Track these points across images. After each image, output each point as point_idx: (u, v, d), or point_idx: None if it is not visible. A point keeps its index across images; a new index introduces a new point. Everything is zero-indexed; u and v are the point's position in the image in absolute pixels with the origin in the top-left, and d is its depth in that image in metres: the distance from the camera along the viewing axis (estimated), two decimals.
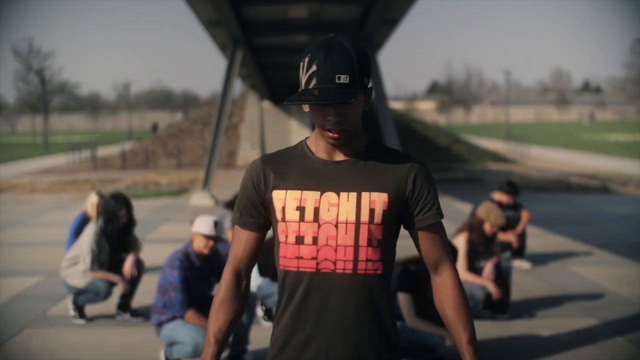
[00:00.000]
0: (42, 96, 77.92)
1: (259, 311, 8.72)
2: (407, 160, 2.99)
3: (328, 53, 2.80)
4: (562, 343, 7.89)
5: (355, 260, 2.90)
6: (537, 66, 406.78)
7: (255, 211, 3.05)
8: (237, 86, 49.31)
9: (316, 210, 2.91)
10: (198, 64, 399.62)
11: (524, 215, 11.90)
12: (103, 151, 50.09)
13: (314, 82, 2.80)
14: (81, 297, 8.88)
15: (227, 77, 23.62)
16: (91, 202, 9.97)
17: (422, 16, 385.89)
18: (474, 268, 8.90)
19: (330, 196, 2.91)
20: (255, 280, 8.88)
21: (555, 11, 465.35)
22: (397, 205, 2.95)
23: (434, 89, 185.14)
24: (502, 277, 8.94)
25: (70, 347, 7.97)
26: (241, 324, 7.21)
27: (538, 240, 14.08)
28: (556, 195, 23.21)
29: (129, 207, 9.12)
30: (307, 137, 3.08)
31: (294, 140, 40.03)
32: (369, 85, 2.96)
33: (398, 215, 2.98)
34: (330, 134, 2.86)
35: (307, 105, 2.90)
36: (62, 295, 9.93)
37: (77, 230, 9.81)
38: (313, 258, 2.91)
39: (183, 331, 6.82)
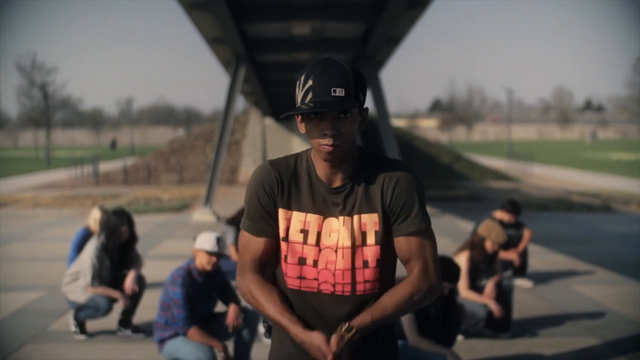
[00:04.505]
0: (45, 111, 77.95)
1: (261, 328, 8.70)
2: (391, 170, 3.01)
3: (324, 68, 2.87)
4: None
5: (353, 282, 2.97)
6: (539, 85, 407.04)
7: (270, 218, 3.06)
8: (240, 102, 49.44)
9: (319, 235, 2.99)
10: (201, 80, 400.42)
11: (526, 233, 11.89)
12: (105, 166, 50.10)
13: (310, 96, 2.86)
14: (82, 313, 8.87)
15: (229, 93, 23.66)
16: (94, 218, 9.96)
17: (425, 34, 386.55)
18: (476, 286, 8.89)
19: (332, 222, 2.98)
20: None
21: (558, 30, 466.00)
22: (385, 221, 3.00)
23: (436, 107, 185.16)
24: (503, 296, 8.93)
25: None
26: (243, 342, 7.21)
27: (540, 259, 14.07)
28: (558, 214, 23.19)
29: (130, 223, 9.11)
30: (311, 149, 3.10)
31: None
32: (365, 106, 3.01)
33: (389, 230, 3.02)
34: (327, 148, 2.88)
35: (302, 126, 2.96)
36: (63, 310, 9.93)
37: (80, 246, 9.81)
38: (315, 279, 2.99)
39: (185, 348, 6.81)
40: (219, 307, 7.62)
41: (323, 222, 2.98)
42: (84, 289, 8.78)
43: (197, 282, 6.99)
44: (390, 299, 2.94)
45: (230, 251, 11.18)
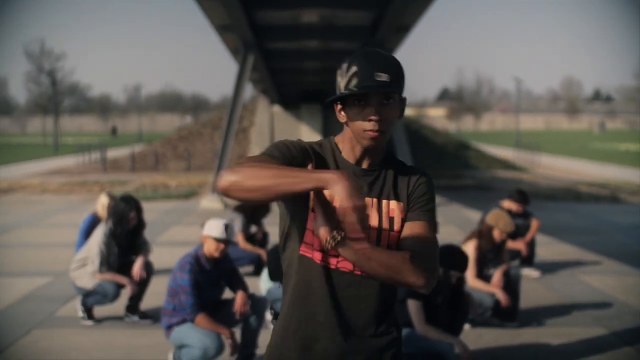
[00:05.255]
0: (53, 97, 78.09)
1: (269, 315, 8.71)
2: (419, 173, 3.05)
3: (367, 56, 2.90)
4: (570, 352, 7.87)
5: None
6: (548, 75, 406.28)
7: (292, 159, 2.90)
8: (248, 90, 49.42)
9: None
10: (209, 67, 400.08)
11: (534, 223, 11.87)
12: (113, 153, 50.14)
13: (354, 82, 2.87)
14: (90, 299, 8.89)
15: (238, 81, 23.65)
16: (102, 204, 9.98)
17: (434, 23, 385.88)
18: (483, 275, 8.89)
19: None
20: (265, 284, 8.88)
21: (567, 20, 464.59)
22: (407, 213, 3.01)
23: (444, 96, 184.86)
24: (511, 285, 8.92)
25: (79, 349, 7.98)
26: (250, 328, 7.21)
27: (547, 249, 14.05)
28: (566, 204, 23.15)
29: (139, 210, 9.13)
30: (333, 137, 3.13)
31: None
32: (404, 96, 3.03)
33: None
34: (372, 134, 2.89)
35: (343, 115, 2.98)
36: (71, 296, 9.95)
37: (88, 232, 9.83)
38: (335, 256, 2.94)
39: (193, 334, 6.82)
40: (227, 294, 7.62)
41: None
42: (92, 275, 8.80)
43: (205, 269, 7.00)
44: (385, 250, 2.88)
45: (239, 238, 11.18)
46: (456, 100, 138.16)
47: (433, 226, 2.99)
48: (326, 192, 2.79)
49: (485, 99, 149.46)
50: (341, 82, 2.93)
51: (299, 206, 2.96)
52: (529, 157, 47.49)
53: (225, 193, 2.71)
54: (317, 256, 2.97)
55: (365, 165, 3.02)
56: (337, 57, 28.33)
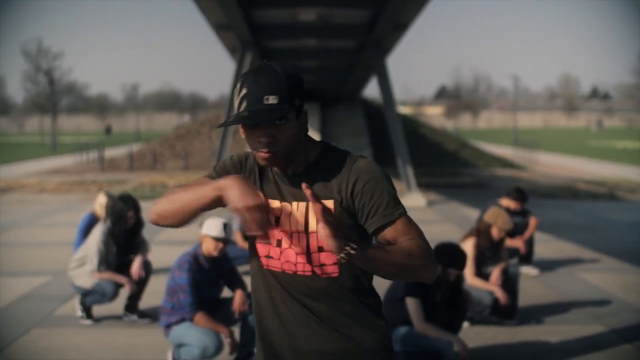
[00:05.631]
0: (51, 96, 78.07)
1: None
2: (352, 162, 2.99)
3: (256, 76, 2.86)
4: (569, 350, 7.87)
5: (311, 264, 3.00)
6: (545, 72, 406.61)
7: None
8: None
9: (277, 219, 3.00)
10: (207, 66, 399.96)
11: (532, 221, 11.88)
12: (111, 152, 50.13)
13: (244, 105, 2.84)
14: (88, 298, 8.89)
15: (235, 79, 23.66)
16: (100, 203, 9.97)
17: (431, 21, 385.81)
18: (482, 273, 8.89)
19: (285, 206, 3.00)
20: None
21: (565, 18, 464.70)
22: (345, 210, 2.96)
23: (442, 94, 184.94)
24: (509, 283, 8.93)
25: (77, 348, 7.98)
26: (249, 327, 7.21)
27: (546, 246, 14.05)
28: (564, 202, 23.17)
29: (137, 209, 9.13)
30: None
31: None
32: (304, 109, 3.00)
33: (350, 219, 2.97)
34: (262, 155, 2.89)
35: (243, 131, 2.94)
36: (69, 295, 9.94)
37: (86, 231, 9.82)
38: (278, 259, 3.03)
39: (192, 333, 6.82)
40: (225, 292, 7.62)
41: (281, 205, 3.01)
42: (91, 274, 8.80)
43: (203, 267, 7.00)
44: (393, 247, 2.86)
45: (237, 237, 11.18)
46: (453, 98, 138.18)
47: (403, 215, 2.94)
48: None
49: (483, 96, 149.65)
50: (235, 102, 2.91)
51: None
52: (527, 155, 47.51)
53: (156, 224, 3.01)
54: (263, 262, 3.08)
55: (292, 169, 3.01)
56: (334, 55, 28.40)
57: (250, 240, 3.11)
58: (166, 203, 2.97)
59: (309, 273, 2.99)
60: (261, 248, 3.06)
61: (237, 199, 2.71)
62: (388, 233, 2.92)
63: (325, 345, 3.03)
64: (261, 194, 2.87)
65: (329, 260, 2.97)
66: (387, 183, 2.96)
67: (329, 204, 2.93)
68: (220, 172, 3.10)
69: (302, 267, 2.99)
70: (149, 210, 3.01)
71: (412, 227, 2.94)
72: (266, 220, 2.75)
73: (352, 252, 2.66)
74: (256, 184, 3.06)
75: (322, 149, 3.07)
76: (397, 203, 2.95)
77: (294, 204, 2.98)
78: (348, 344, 3.04)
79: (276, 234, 3.01)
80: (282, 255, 3.01)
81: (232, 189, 2.74)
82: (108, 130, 74.77)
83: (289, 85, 2.86)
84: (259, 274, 3.11)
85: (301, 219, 2.97)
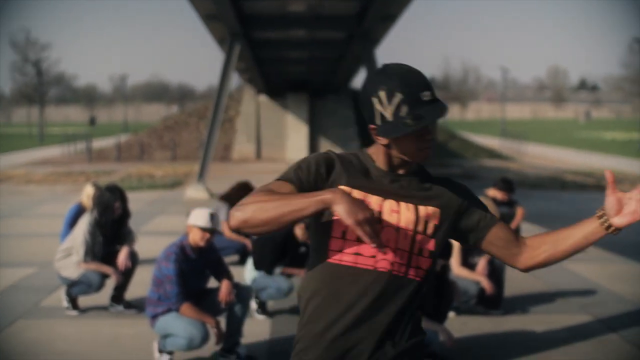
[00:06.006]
0: (39, 87, 77.75)
1: (253, 304, 8.72)
2: (453, 182, 3.14)
3: (403, 78, 2.88)
4: (555, 339, 7.90)
5: (408, 265, 2.99)
6: (534, 63, 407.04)
7: (309, 181, 2.99)
8: (234, 80, 49.33)
9: (379, 214, 2.97)
10: (195, 57, 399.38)
11: (519, 212, 11.87)
12: (98, 143, 50.02)
13: (404, 109, 2.85)
14: (74, 289, 8.88)
15: (224, 70, 23.61)
16: (87, 194, 9.95)
17: (420, 12, 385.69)
18: (468, 263, 8.91)
19: (391, 203, 2.98)
20: (250, 273, 8.88)
21: (553, 9, 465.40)
22: (446, 222, 3.04)
23: None
24: (495, 273, 8.95)
25: (64, 338, 7.97)
26: (235, 317, 7.21)
27: None
28: (551, 193, 23.23)
29: (123, 199, 9.11)
30: (365, 149, 3.14)
31: (290, 134, 40.03)
32: None
33: (446, 232, 3.06)
34: (427, 150, 2.97)
35: (384, 139, 2.95)
36: (55, 286, 9.92)
37: (72, 221, 9.80)
38: (372, 257, 2.97)
39: (178, 324, 6.81)
40: (212, 283, 7.62)
41: (383, 202, 2.98)
42: (77, 265, 8.78)
43: (190, 258, 6.99)
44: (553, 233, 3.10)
45: (224, 227, 11.17)
46: (442, 89, 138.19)
47: (498, 221, 3.11)
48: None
49: (471, 87, 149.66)
50: (384, 110, 2.89)
51: (327, 213, 2.98)
52: (515, 146, 47.58)
53: (237, 231, 2.87)
54: (348, 259, 3.01)
55: (400, 170, 3.05)
56: (323, 46, 28.36)
57: (327, 234, 3.03)
58: (258, 211, 2.80)
59: (402, 274, 2.99)
60: (348, 245, 2.99)
61: (347, 215, 2.67)
62: (501, 232, 3.10)
63: (384, 349, 3.03)
64: (369, 204, 2.90)
65: (424, 265, 3.02)
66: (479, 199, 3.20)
67: (436, 212, 3.03)
68: (304, 177, 2.99)
69: (397, 267, 2.98)
70: (231, 215, 2.83)
71: (509, 227, 3.19)
72: (378, 231, 2.76)
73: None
74: (357, 182, 3.01)
75: (419, 164, 3.14)
76: (490, 211, 3.18)
77: (402, 203, 2.98)
78: (397, 350, 3.06)
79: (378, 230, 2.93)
80: (378, 252, 2.96)
81: (340, 204, 2.70)
82: (92, 121, 74.26)
83: (426, 78, 2.93)
84: (333, 272, 3.03)
85: (411, 218, 2.98)
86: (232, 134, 41.47)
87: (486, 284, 8.59)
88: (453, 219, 3.05)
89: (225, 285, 7.14)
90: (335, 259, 3.00)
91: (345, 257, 2.99)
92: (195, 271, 7.09)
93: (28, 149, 51.25)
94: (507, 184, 11.69)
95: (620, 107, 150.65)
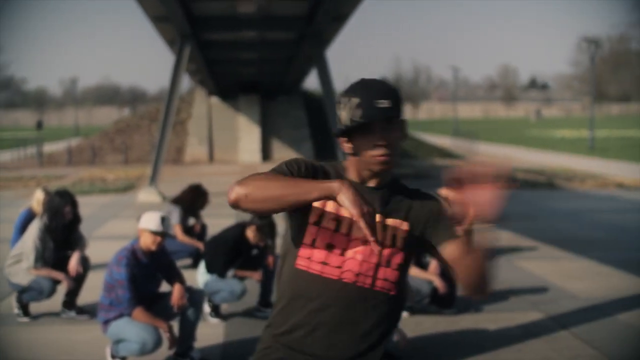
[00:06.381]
0: None
1: (206, 308, 8.68)
2: (428, 196, 3.17)
3: (366, 86, 3.00)
4: (508, 337, 7.96)
5: (374, 277, 3.06)
6: (484, 63, 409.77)
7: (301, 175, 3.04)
8: (185, 82, 49.15)
9: (351, 226, 3.04)
10: (146, 59, 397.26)
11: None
12: (49, 147, 49.57)
13: (358, 112, 2.95)
14: (25, 295, 8.78)
15: (174, 72, 23.51)
16: (37, 199, 9.85)
17: (370, 12, 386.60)
18: (421, 263, 8.93)
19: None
20: (202, 276, 8.84)
21: (503, 8, 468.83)
22: (415, 234, 3.09)
23: None
24: (448, 272, 8.96)
25: (16, 346, 7.88)
26: (188, 321, 7.18)
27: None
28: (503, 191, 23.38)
29: (74, 204, 9.03)
30: (343, 161, 3.21)
31: (242, 136, 39.98)
32: (405, 119, 3.12)
33: (416, 244, 3.11)
34: (381, 158, 2.99)
35: (349, 146, 3.05)
36: (6, 293, 9.81)
37: (23, 227, 9.69)
38: (338, 267, 3.04)
39: (130, 329, 6.76)
40: (164, 287, 7.58)
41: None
42: (27, 271, 8.68)
43: (141, 262, 6.94)
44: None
45: (175, 231, 11.12)
46: None
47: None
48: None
49: (423, 87, 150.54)
50: (343, 114, 3.00)
51: (300, 220, 3.08)
52: (467, 145, 47.89)
53: (234, 205, 2.88)
54: (315, 267, 3.07)
55: (371, 183, 3.11)
56: (274, 47, 28.36)
57: (297, 241, 3.10)
58: (261, 187, 2.85)
59: (368, 286, 3.05)
60: (317, 253, 3.06)
61: (352, 205, 2.72)
62: (455, 244, 2.99)
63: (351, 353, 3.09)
64: (340, 216, 2.99)
65: (392, 277, 3.07)
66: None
67: (405, 225, 3.08)
68: (295, 171, 3.04)
69: (362, 278, 3.05)
70: (231, 187, 2.85)
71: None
72: (376, 226, 2.80)
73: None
74: None
75: (393, 176, 3.18)
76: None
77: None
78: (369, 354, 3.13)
79: (343, 242, 3.05)
80: (345, 263, 3.04)
81: (346, 194, 2.75)
82: (39, 125, 73.18)
83: (395, 92, 3.01)
84: (300, 278, 3.10)
85: (379, 231, 3.01)
86: (184, 136, 41.31)
87: (439, 283, 8.63)
88: (421, 232, 3.09)
89: (177, 289, 7.11)
90: (302, 265, 3.07)
91: (313, 265, 3.05)
92: (147, 275, 7.05)
93: None
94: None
95: (570, 105, 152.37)
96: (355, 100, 2.95)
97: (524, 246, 13.39)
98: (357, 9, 22.51)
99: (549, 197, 21.88)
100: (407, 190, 3.17)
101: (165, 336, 6.84)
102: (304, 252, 3.07)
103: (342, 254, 3.04)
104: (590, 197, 22.21)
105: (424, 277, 8.74)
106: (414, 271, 8.74)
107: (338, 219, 3.04)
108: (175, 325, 7.24)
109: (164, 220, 6.96)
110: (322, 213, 3.05)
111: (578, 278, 10.87)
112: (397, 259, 3.08)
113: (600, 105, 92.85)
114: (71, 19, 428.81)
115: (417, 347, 7.59)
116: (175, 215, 11.21)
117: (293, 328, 3.09)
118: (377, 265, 3.04)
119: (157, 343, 6.77)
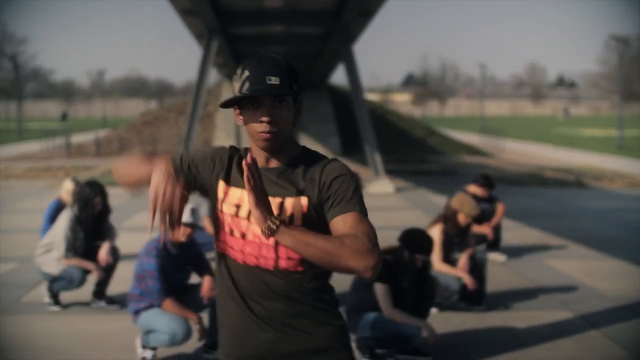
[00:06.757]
0: (16, 82, 77.36)
1: None
2: (326, 163, 3.10)
3: (259, 61, 3.04)
4: (537, 335, 7.93)
5: (276, 257, 3.05)
6: (512, 60, 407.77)
7: (195, 169, 3.20)
8: (213, 75, 49.18)
9: (249, 211, 3.03)
10: (173, 52, 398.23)
11: (499, 208, 11.93)
12: (77, 138, 49.77)
13: (246, 85, 2.99)
14: (56, 284, 8.84)
15: (202, 66, 23.58)
16: (66, 189, 9.91)
17: (398, 8, 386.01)
18: (449, 259, 8.92)
19: None
20: None
21: (531, 5, 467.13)
22: (317, 207, 3.03)
23: (409, 82, 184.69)
24: (477, 269, 8.96)
25: (46, 334, 7.93)
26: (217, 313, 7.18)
27: (513, 233, 14.12)
28: (531, 189, 23.31)
29: (104, 195, 9.08)
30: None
31: None
32: (299, 98, 3.16)
33: (321, 216, 3.03)
34: (264, 135, 3.00)
35: (240, 118, 3.11)
36: (37, 282, 9.88)
37: (52, 217, 9.75)
38: (240, 251, 3.09)
39: (160, 319, 6.79)
40: (194, 278, 7.60)
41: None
42: (58, 261, 8.74)
43: (171, 253, 6.97)
44: (323, 236, 2.87)
45: (205, 223, 11.14)
46: (421, 85, 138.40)
47: (364, 213, 2.98)
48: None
49: (450, 84, 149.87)
50: (235, 86, 3.05)
51: (211, 202, 3.22)
52: (494, 143, 47.70)
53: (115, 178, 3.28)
54: (231, 253, 3.14)
55: (272, 164, 3.11)
56: (301, 41, 28.34)
57: (217, 227, 3.18)
58: (119, 166, 3.32)
59: (271, 267, 3.05)
60: (224, 236, 3.12)
61: (156, 181, 2.92)
62: (336, 223, 2.95)
63: (281, 347, 3.10)
64: (179, 186, 2.94)
65: (295, 254, 3.01)
66: (355, 183, 3.04)
67: (304, 200, 3.02)
68: (190, 163, 3.21)
69: (264, 260, 3.05)
70: (112, 165, 3.10)
71: (363, 224, 2.93)
72: (171, 215, 2.90)
73: (273, 226, 2.80)
74: (230, 174, 3.15)
75: (302, 150, 3.17)
76: (360, 202, 3.01)
77: (270, 198, 2.97)
78: (304, 343, 3.10)
79: (243, 225, 3.07)
80: (245, 246, 3.07)
81: (156, 171, 2.95)
82: (64, 117, 73.33)
83: (289, 70, 3.06)
84: (220, 261, 3.20)
85: (275, 212, 2.97)
86: (212, 129, 41.36)
87: (468, 279, 8.61)
88: (319, 203, 3.02)
89: (207, 281, 7.13)
90: (219, 248, 3.19)
91: (222, 246, 3.16)
92: (177, 267, 7.07)
93: (6, 144, 50.92)
94: (487, 180, 11.76)
95: (598, 104, 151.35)
96: (247, 73, 2.99)
97: (553, 245, 13.33)
98: (383, 4, 22.48)
99: (578, 195, 21.77)
100: (313, 162, 3.10)
101: (195, 327, 6.87)
102: (220, 234, 3.17)
103: (242, 238, 3.07)
104: (619, 196, 22.08)
105: (453, 273, 8.73)
106: (443, 267, 8.73)
107: (237, 204, 3.09)
108: (205, 316, 7.26)
109: (193, 212, 6.99)
110: (224, 200, 3.12)
111: (607, 277, 10.81)
112: None
113: (628, 104, 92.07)
114: (99, 12, 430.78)
115: (446, 344, 7.57)
116: (204, 207, 11.23)
117: (229, 317, 3.22)
118: (276, 246, 3.02)
119: (187, 334, 6.80)
